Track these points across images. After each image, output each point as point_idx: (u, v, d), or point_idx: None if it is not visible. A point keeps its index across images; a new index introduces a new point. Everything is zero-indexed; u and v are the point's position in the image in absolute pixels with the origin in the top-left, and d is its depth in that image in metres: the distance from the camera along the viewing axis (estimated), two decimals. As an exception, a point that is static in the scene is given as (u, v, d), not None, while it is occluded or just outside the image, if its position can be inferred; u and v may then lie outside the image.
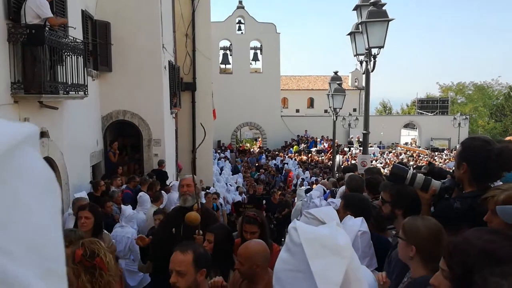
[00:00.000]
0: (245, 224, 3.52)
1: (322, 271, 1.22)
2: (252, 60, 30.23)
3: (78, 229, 3.87)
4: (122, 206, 6.56)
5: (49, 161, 7.24)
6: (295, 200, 11.52)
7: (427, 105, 38.80)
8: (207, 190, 13.35)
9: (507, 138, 3.16)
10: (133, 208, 7.42)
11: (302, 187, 13.33)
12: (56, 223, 0.53)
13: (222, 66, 30.14)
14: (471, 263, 1.30)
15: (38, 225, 0.49)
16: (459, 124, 28.64)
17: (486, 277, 1.20)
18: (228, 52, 29.76)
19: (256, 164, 23.60)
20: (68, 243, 3.49)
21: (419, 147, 31.52)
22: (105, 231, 4.41)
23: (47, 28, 6.22)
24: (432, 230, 2.11)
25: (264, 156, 25.87)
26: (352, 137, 29.16)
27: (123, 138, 11.40)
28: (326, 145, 28.02)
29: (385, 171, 20.14)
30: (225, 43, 29.82)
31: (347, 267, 1.24)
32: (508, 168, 2.33)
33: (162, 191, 7.92)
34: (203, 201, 7.42)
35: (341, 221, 3.00)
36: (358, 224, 2.81)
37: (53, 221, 0.52)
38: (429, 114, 36.34)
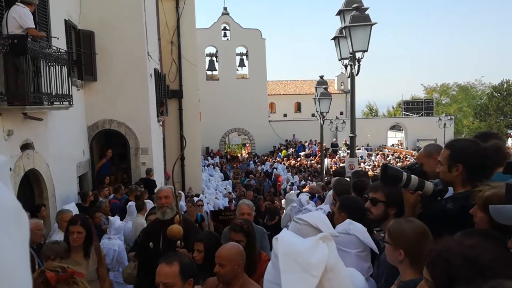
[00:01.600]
0: (231, 231, 3.48)
1: (289, 287, 1.20)
2: (239, 66, 30.28)
3: (61, 241, 3.82)
4: (110, 217, 6.48)
5: (35, 173, 7.14)
6: (283, 205, 11.51)
7: (413, 107, 39.25)
8: (196, 198, 13.30)
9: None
10: (121, 218, 7.34)
11: (292, 191, 13.35)
12: (24, 258, 0.50)
13: (209, 72, 30.11)
14: (455, 272, 1.28)
15: (3, 261, 0.46)
16: (445, 124, 28.95)
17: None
18: (214, 58, 29.75)
19: (246, 170, 23.58)
20: (54, 255, 3.45)
21: (406, 148, 31.83)
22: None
23: (29, 39, 6.16)
24: (419, 232, 2.10)
25: (252, 162, 25.86)
26: (335, 140, 29.28)
27: (111, 147, 11.28)
28: (316, 148, 28.07)
29: (375, 172, 20.27)
30: (211, 49, 29.84)
31: (325, 287, 1.22)
32: (501, 164, 2.33)
33: (149, 200, 7.84)
34: (182, 211, 7.28)
35: (336, 223, 3.01)
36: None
37: (20, 256, 0.49)
38: (415, 115, 36.77)
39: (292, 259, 1.25)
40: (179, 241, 3.71)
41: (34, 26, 6.38)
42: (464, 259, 1.29)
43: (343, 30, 8.19)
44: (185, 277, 2.44)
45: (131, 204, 7.43)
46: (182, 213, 4.63)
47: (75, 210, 6.69)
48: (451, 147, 2.44)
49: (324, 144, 18.13)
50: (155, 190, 10.19)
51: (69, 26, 9.17)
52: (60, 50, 7.39)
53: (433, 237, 2.07)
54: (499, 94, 44.60)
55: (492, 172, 2.34)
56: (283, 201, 12.51)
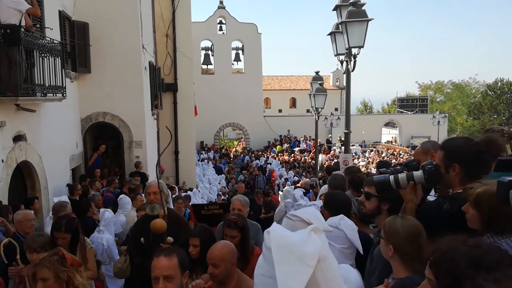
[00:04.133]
0: (225, 228, 3.45)
1: (285, 279, 1.18)
2: (234, 60, 30.19)
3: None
4: (100, 209, 6.44)
5: (27, 164, 7.08)
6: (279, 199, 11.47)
7: (407, 104, 39.42)
8: (189, 192, 13.29)
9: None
10: (115, 211, 7.32)
11: (287, 187, 13.34)
12: None
13: (204, 66, 30.01)
14: (460, 272, 1.26)
15: None
16: (438, 122, 29.10)
17: (478, 285, 1.15)
18: (209, 52, 29.64)
19: (241, 165, 23.55)
20: (40, 248, 3.45)
21: (401, 145, 31.96)
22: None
23: (22, 29, 6.08)
24: (410, 231, 2.12)
25: (247, 157, 25.84)
26: (330, 136, 29.37)
27: (104, 140, 11.21)
28: (311, 144, 28.06)
29: (369, 169, 20.34)
30: (206, 43, 29.71)
31: (319, 277, 1.21)
32: (497, 155, 2.31)
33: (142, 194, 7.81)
34: (171, 206, 7.15)
35: (325, 218, 3.03)
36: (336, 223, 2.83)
37: None
38: (409, 112, 36.92)
39: (287, 250, 1.24)
40: (169, 237, 3.69)
41: (30, 6, 6.29)
42: (469, 260, 1.27)
43: (340, 25, 8.17)
44: (183, 269, 2.45)
45: (122, 197, 7.40)
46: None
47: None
48: (444, 148, 2.41)
49: (319, 140, 18.15)
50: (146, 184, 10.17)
51: (63, 17, 9.07)
52: (54, 41, 7.32)
53: (430, 237, 2.05)
54: (493, 93, 44.90)
55: (489, 167, 2.29)
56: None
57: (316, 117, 15.20)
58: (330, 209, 3.28)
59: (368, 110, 51.68)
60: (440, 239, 1.47)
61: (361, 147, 29.84)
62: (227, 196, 15.17)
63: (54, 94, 7.46)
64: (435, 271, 1.39)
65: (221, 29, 29.70)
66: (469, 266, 1.25)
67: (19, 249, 3.48)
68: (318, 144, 18.55)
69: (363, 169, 19.74)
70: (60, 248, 2.55)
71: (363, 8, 7.67)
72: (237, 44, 30.10)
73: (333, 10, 8.73)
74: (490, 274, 1.15)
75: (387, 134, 36.33)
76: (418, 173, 2.41)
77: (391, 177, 2.45)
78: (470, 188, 2.02)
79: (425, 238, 2.11)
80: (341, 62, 8.80)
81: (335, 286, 1.28)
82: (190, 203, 9.43)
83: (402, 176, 2.44)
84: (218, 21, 29.57)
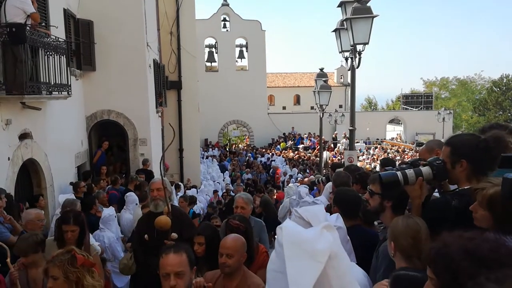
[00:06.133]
0: (227, 232, 3.45)
1: (295, 274, 1.19)
2: (238, 57, 30.17)
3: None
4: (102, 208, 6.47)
5: (33, 162, 7.13)
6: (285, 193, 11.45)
7: (412, 101, 39.20)
8: (193, 190, 13.33)
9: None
10: (120, 209, 7.35)
11: (291, 184, 13.34)
12: None
13: (208, 64, 30.02)
14: (456, 266, 1.27)
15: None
16: (443, 118, 28.98)
17: (481, 284, 1.13)
18: (213, 49, 29.64)
19: (245, 163, 23.56)
20: (33, 249, 3.45)
21: (405, 142, 31.85)
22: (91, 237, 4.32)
23: (28, 27, 6.11)
24: (408, 226, 2.14)
25: (252, 154, 25.85)
26: (336, 133, 29.33)
27: (109, 138, 11.25)
28: (315, 141, 28.05)
29: (373, 166, 20.31)
30: (210, 40, 29.71)
31: (330, 274, 1.22)
32: (504, 152, 2.30)
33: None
34: (176, 203, 7.17)
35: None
36: (332, 220, 2.82)
37: None
38: (414, 109, 36.76)
39: (298, 247, 1.25)
40: (174, 233, 3.70)
41: (35, 10, 6.33)
42: (464, 252, 1.27)
43: (344, 22, 8.14)
44: (192, 266, 2.48)
45: (129, 194, 7.42)
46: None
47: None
48: (451, 144, 2.39)
49: (323, 137, 18.11)
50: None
51: (68, 15, 9.10)
52: (59, 39, 7.34)
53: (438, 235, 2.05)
54: (498, 89, 44.61)
55: (496, 163, 2.26)
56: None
57: (321, 114, 15.16)
58: (339, 205, 3.29)
59: (372, 107, 51.49)
60: (439, 236, 1.47)
61: (366, 144, 29.78)
62: (228, 198, 15.12)
63: (59, 92, 7.49)
64: (433, 268, 1.39)
65: (225, 26, 29.69)
66: (465, 259, 1.25)
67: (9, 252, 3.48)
68: (322, 141, 18.51)
69: (367, 166, 19.72)
70: (73, 247, 2.55)
71: (368, 4, 7.65)
72: (241, 41, 30.08)
73: (338, 6, 8.70)
74: (492, 274, 1.14)
75: (392, 131, 36.21)
76: (426, 169, 2.41)
77: (399, 173, 2.44)
78: (481, 189, 1.99)
79: (426, 236, 2.11)
80: (346, 58, 8.78)
81: (347, 283, 1.28)
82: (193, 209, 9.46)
83: (410, 172, 2.43)
84: (222, 19, 29.57)
